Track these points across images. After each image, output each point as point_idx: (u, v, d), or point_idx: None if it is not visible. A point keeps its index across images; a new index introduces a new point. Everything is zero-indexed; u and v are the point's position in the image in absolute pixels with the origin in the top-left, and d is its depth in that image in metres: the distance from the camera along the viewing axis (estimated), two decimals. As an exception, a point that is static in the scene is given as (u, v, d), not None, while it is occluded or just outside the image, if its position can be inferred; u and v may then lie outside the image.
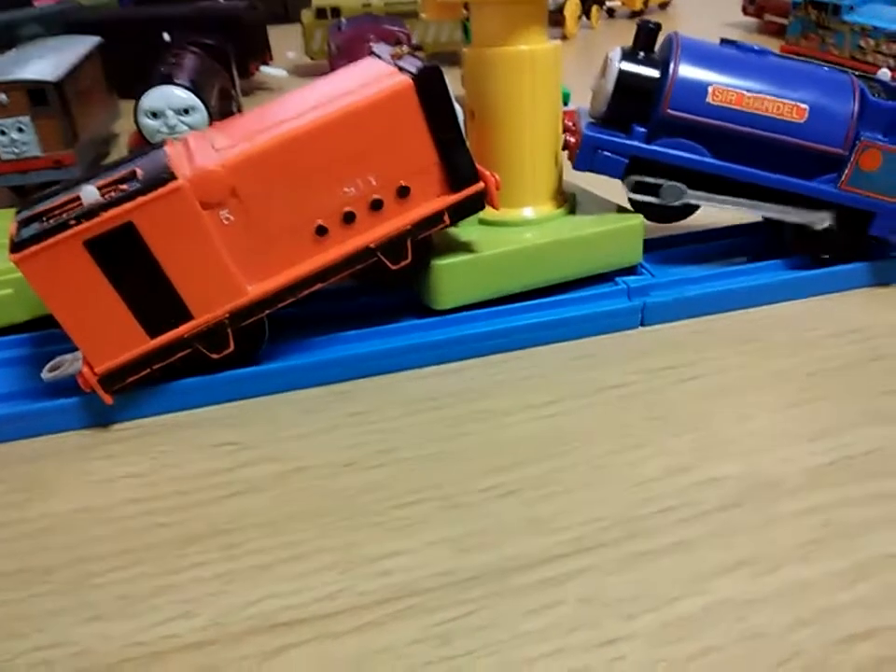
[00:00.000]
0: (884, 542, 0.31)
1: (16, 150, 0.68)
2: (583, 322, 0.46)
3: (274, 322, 0.42)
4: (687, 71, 0.45)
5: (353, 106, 0.38)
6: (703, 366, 0.42)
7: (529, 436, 0.38)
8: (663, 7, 1.69)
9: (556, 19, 1.40)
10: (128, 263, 0.36)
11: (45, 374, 0.39)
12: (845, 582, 0.29)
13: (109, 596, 0.30)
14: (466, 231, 0.46)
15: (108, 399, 0.38)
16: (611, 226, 0.47)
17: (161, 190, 0.36)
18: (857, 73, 0.50)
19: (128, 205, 0.35)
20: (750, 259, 0.51)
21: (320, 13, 1.19)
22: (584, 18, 1.52)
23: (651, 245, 0.50)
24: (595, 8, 1.54)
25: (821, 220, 0.47)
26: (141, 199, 0.36)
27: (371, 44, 0.87)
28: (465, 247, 0.45)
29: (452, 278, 0.44)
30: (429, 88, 0.38)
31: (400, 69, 0.39)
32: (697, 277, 0.49)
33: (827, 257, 0.49)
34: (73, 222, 0.35)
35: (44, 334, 0.45)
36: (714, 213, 0.49)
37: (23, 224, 0.37)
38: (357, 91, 0.39)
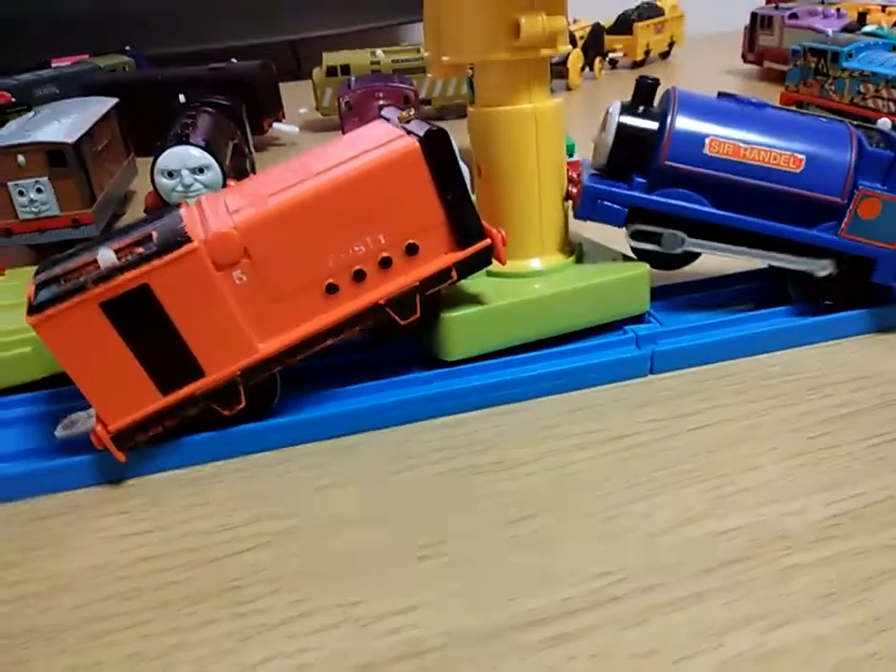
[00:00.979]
0: (900, 594, 0.30)
1: (35, 210, 0.70)
2: (592, 371, 0.46)
3: (283, 375, 0.42)
4: (684, 123, 0.46)
5: (362, 169, 0.39)
6: (710, 414, 0.42)
7: (538, 487, 0.38)
8: (664, 56, 1.73)
9: (560, 70, 1.43)
10: (143, 323, 0.37)
11: (59, 432, 0.40)
12: (861, 636, 0.28)
13: (120, 656, 0.30)
14: (475, 282, 0.46)
15: (121, 457, 0.39)
16: (618, 275, 0.47)
17: (176, 253, 0.37)
18: (856, 122, 0.51)
19: (144, 268, 0.36)
20: (756, 305, 0.51)
21: (330, 71, 1.23)
22: (588, 69, 1.56)
23: (657, 293, 0.50)
24: (597, 60, 1.58)
25: (822, 268, 0.48)
26: (157, 261, 0.37)
27: (381, 101, 0.90)
28: (474, 299, 0.45)
29: (462, 330, 0.45)
30: (436, 150, 0.40)
31: (408, 132, 0.41)
32: (705, 325, 0.49)
33: (829, 303, 0.49)
34: (90, 285, 0.36)
35: (58, 391, 0.45)
36: (719, 260, 0.50)
37: (41, 286, 0.38)
38: (365, 154, 0.40)
